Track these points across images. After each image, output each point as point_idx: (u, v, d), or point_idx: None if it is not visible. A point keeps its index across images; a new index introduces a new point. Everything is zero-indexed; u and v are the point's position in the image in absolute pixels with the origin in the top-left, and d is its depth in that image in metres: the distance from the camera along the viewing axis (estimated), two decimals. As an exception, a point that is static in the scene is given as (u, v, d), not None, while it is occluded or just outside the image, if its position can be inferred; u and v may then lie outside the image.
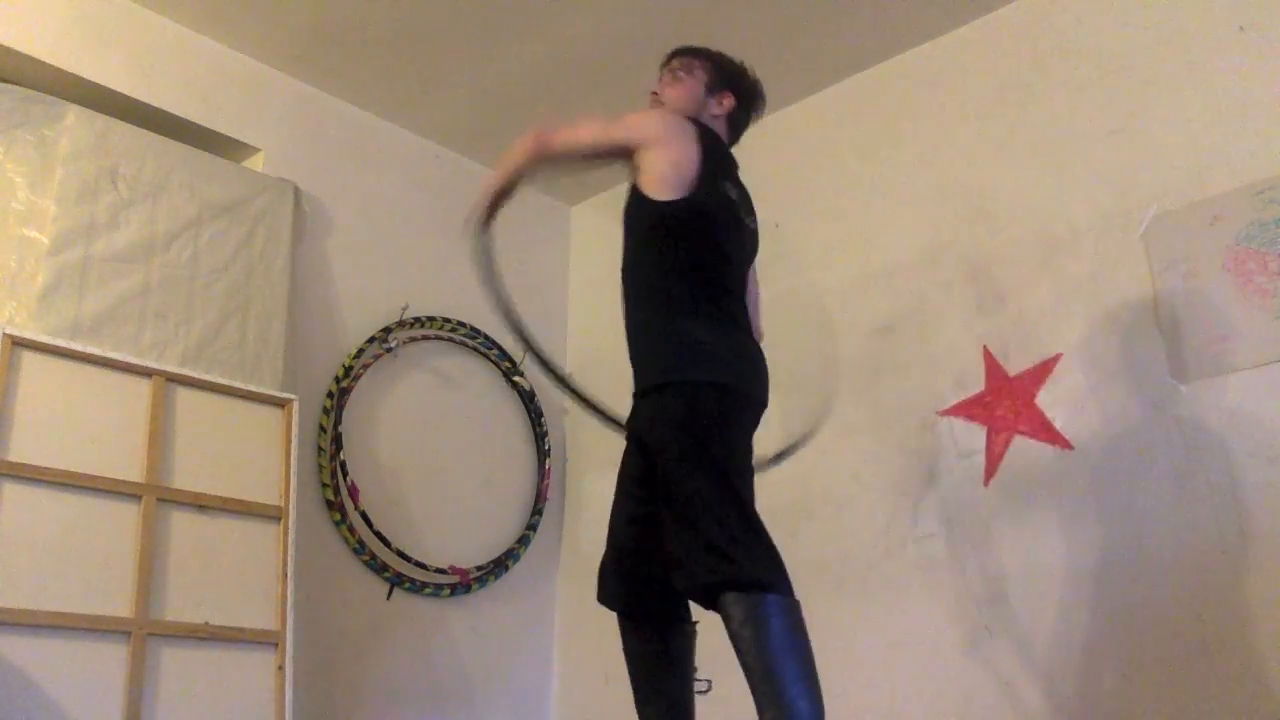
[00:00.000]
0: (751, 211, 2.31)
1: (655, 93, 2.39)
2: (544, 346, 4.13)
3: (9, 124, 2.89)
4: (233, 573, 2.80)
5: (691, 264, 2.12)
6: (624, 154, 2.17)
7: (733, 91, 2.36)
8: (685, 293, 2.10)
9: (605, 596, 2.22)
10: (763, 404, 2.13)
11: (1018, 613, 2.84)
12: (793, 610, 1.90)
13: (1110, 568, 2.70)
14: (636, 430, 2.13)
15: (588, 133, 2.19)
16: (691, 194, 2.11)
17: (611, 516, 2.22)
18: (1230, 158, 2.73)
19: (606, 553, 2.23)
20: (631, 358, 2.17)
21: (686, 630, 2.20)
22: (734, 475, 1.98)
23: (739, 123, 2.41)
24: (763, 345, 2.25)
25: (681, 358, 2.04)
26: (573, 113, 3.78)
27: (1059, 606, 2.77)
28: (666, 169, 2.11)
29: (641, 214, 2.16)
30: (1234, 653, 2.48)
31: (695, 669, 2.21)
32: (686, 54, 2.40)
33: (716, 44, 3.42)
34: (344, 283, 3.59)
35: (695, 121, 2.23)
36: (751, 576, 1.88)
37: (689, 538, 1.92)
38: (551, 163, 2.22)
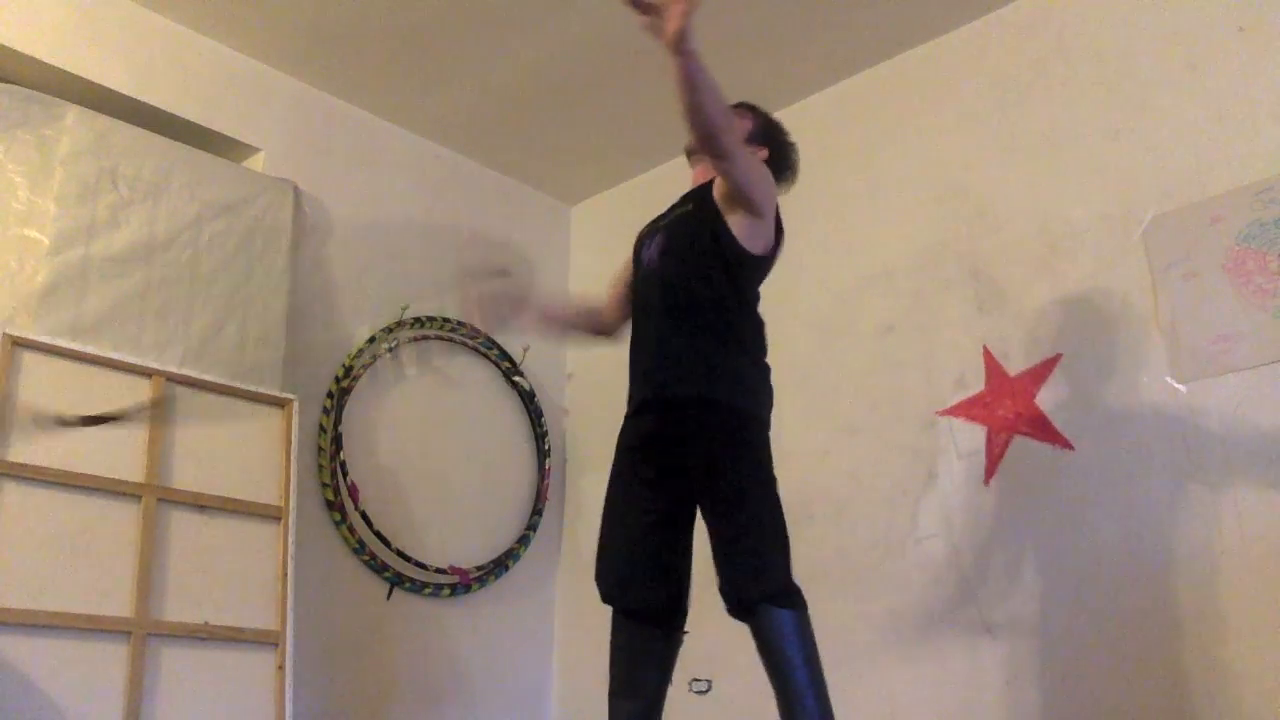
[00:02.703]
0: None
1: None
2: (543, 349, 4.14)
3: (9, 124, 2.89)
4: (233, 573, 2.80)
5: (753, 306, 2.31)
6: (734, 187, 2.19)
7: (769, 147, 2.44)
8: (746, 332, 2.26)
9: (612, 594, 2.26)
10: None
11: (1018, 613, 2.84)
12: (810, 623, 2.10)
13: (1110, 568, 2.70)
14: (660, 437, 2.23)
15: (738, 139, 2.17)
16: (772, 252, 2.32)
17: (619, 518, 2.28)
18: (1230, 158, 2.73)
19: (613, 552, 2.28)
20: (657, 369, 2.24)
21: (679, 637, 2.28)
22: (778, 498, 2.17)
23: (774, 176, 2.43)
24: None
25: (738, 390, 2.19)
26: (571, 112, 3.81)
27: (1059, 606, 2.77)
28: (769, 235, 2.27)
29: (724, 256, 2.23)
30: (1234, 652, 2.48)
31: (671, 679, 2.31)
32: (742, 106, 2.47)
33: (718, 44, 3.43)
34: (344, 283, 3.59)
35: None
36: (794, 592, 2.09)
37: (748, 551, 2.10)
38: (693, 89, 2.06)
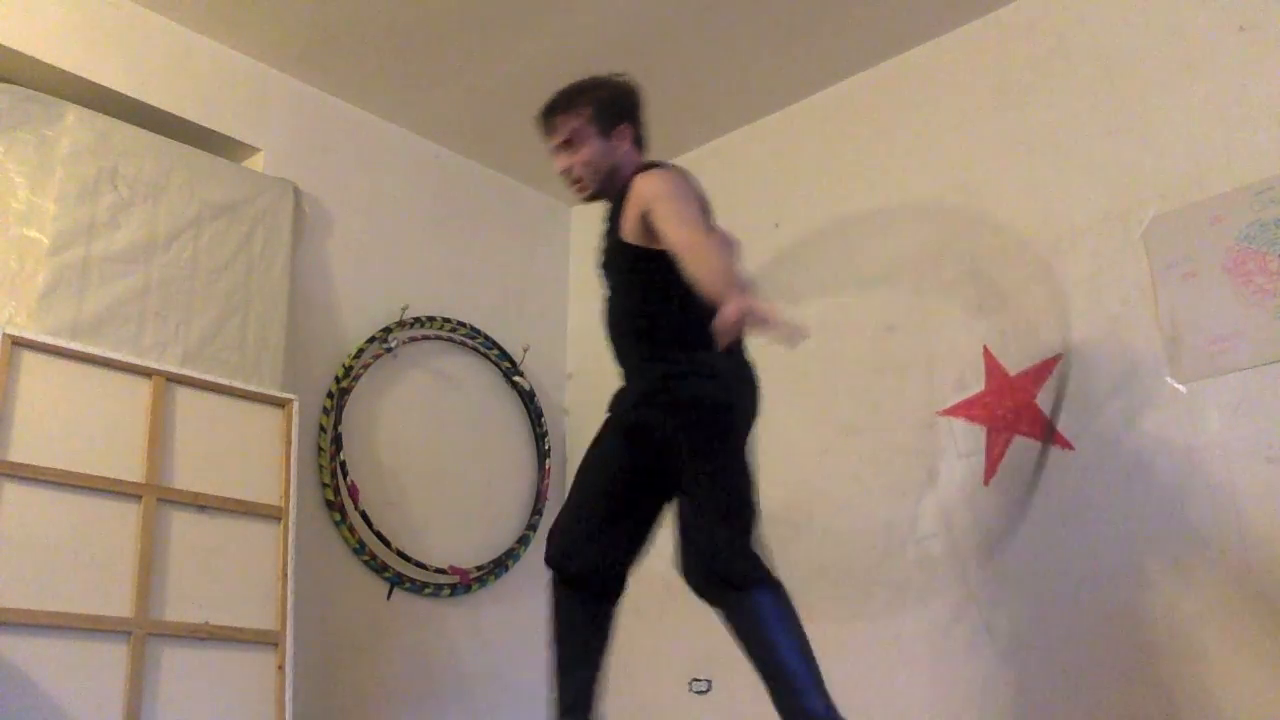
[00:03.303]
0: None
1: (564, 170, 2.35)
2: (543, 349, 4.14)
3: (9, 124, 2.89)
4: (233, 573, 2.80)
5: (698, 299, 2.20)
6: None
7: (622, 118, 2.35)
8: (700, 329, 2.12)
9: (560, 558, 2.28)
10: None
11: (1018, 613, 2.84)
12: (788, 599, 2.05)
13: (1110, 568, 2.70)
14: (637, 424, 2.23)
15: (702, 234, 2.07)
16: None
17: (584, 489, 2.31)
18: (1230, 158, 2.73)
19: (572, 519, 2.30)
20: (638, 375, 2.27)
21: (616, 607, 2.30)
22: (752, 482, 2.15)
23: (642, 134, 2.41)
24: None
25: (705, 383, 2.15)
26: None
27: (1059, 607, 2.77)
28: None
29: (652, 265, 2.18)
30: (1234, 653, 2.48)
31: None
32: (562, 113, 2.35)
33: (718, 43, 3.44)
34: (344, 283, 3.59)
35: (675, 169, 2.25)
36: (769, 574, 2.04)
37: (723, 533, 2.07)
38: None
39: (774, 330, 1.82)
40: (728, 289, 1.85)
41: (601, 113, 2.33)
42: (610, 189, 2.34)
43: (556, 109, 2.36)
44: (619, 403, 2.31)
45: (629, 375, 2.32)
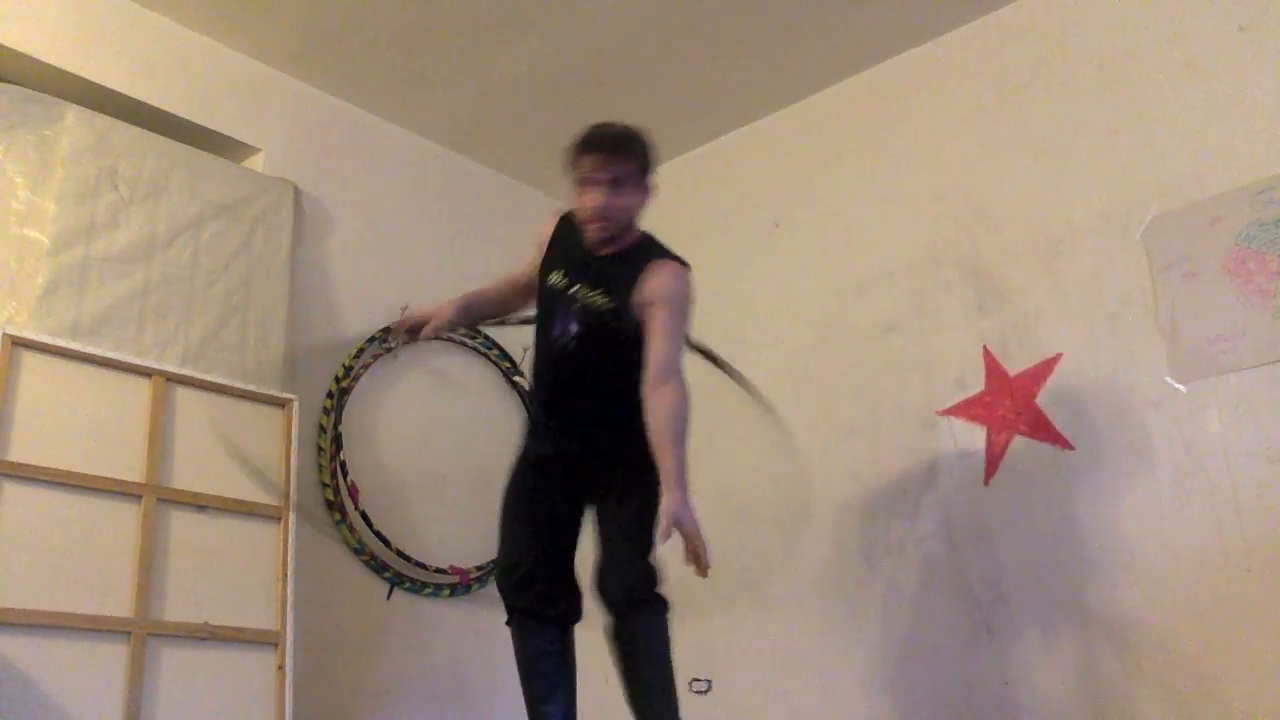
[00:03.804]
0: None
1: (600, 207, 2.30)
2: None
3: (9, 124, 2.89)
4: (233, 573, 2.80)
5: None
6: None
7: (650, 173, 2.38)
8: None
9: (518, 591, 2.36)
10: None
11: (1018, 613, 2.84)
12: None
13: (1109, 568, 2.70)
14: (574, 453, 2.37)
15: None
16: None
17: (521, 521, 2.40)
18: (1230, 158, 2.73)
19: (517, 551, 2.39)
20: (572, 419, 2.40)
21: (573, 633, 2.41)
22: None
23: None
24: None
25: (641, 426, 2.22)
26: (572, 112, 3.81)
27: (1059, 606, 2.77)
28: None
29: (638, 349, 2.24)
30: (1233, 652, 2.48)
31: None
32: (617, 153, 2.30)
33: (719, 43, 3.44)
34: (344, 283, 3.59)
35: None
36: (664, 598, 2.24)
37: (642, 557, 2.21)
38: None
39: (692, 557, 2.00)
40: (675, 473, 2.04)
41: (645, 166, 2.35)
42: (620, 239, 2.34)
43: (611, 147, 2.30)
44: (543, 434, 2.43)
45: (561, 414, 2.40)
